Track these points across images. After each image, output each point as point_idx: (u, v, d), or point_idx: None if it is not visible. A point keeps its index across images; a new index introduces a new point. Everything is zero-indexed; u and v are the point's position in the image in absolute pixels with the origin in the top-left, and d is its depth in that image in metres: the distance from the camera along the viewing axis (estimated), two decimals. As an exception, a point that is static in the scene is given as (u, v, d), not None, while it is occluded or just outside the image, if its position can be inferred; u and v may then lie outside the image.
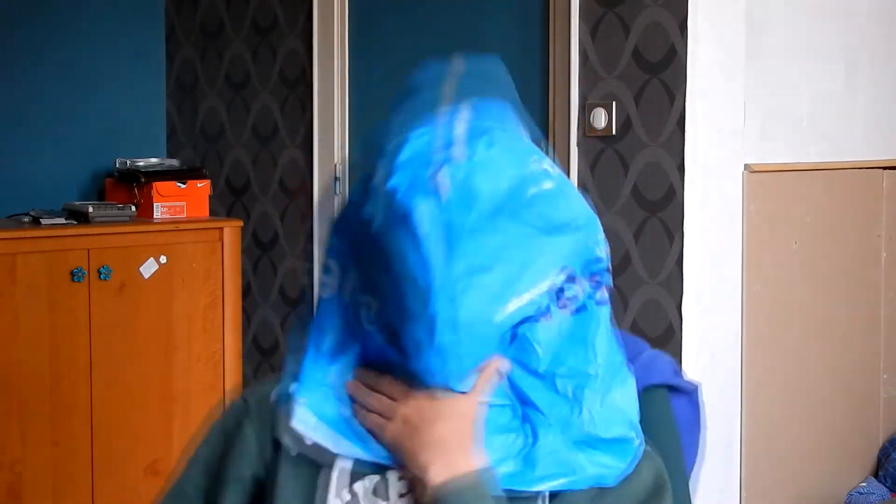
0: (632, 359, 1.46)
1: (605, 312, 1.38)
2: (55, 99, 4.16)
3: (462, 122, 1.32)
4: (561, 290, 1.33)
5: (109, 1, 4.27)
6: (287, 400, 1.39)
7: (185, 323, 3.86)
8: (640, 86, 3.08)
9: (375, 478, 1.36)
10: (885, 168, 3.57)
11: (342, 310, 1.39)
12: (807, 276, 3.36)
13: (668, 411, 1.54)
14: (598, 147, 3.16)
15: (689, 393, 1.57)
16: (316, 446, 1.37)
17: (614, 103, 3.12)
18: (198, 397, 3.86)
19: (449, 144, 1.29)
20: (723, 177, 3.10)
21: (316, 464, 1.37)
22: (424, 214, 1.25)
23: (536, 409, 1.35)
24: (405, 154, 1.29)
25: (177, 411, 3.83)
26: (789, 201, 3.31)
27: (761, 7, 3.19)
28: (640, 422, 1.40)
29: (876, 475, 3.57)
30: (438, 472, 1.31)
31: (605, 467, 1.36)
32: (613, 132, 3.12)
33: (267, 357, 4.14)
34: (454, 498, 1.30)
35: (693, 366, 3.00)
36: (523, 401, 1.36)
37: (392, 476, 1.36)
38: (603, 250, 1.37)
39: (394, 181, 1.28)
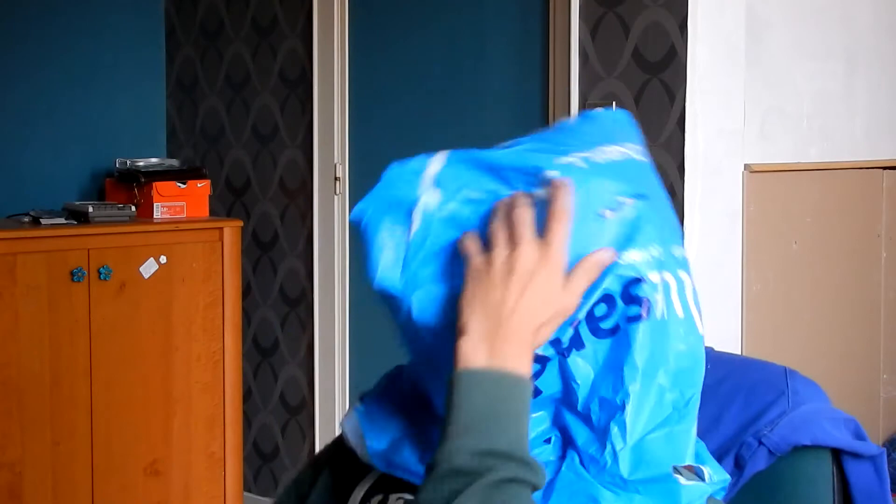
0: (786, 410, 1.33)
1: (641, 331, 1.18)
2: (55, 99, 4.16)
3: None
4: (591, 314, 1.20)
5: (109, 1, 4.27)
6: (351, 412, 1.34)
7: (184, 323, 3.85)
8: (640, 86, 3.07)
9: (379, 497, 1.29)
10: (885, 168, 3.57)
11: None
12: (807, 276, 3.36)
13: (818, 478, 1.33)
14: (598, 147, 3.15)
15: (871, 459, 1.34)
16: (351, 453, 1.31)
17: (614, 103, 3.12)
18: (198, 397, 3.86)
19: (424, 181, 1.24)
20: (723, 177, 3.10)
21: (349, 483, 1.32)
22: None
23: (575, 445, 1.22)
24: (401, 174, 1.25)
25: (177, 411, 3.83)
26: (789, 201, 3.30)
27: (761, 7, 3.19)
28: (776, 487, 1.26)
29: (876, 475, 3.57)
30: (475, 351, 1.13)
31: None
32: (613, 132, 3.12)
33: (267, 357, 4.14)
34: (468, 386, 1.12)
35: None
36: (566, 435, 1.23)
37: (393, 499, 1.28)
38: (639, 258, 1.18)
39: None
